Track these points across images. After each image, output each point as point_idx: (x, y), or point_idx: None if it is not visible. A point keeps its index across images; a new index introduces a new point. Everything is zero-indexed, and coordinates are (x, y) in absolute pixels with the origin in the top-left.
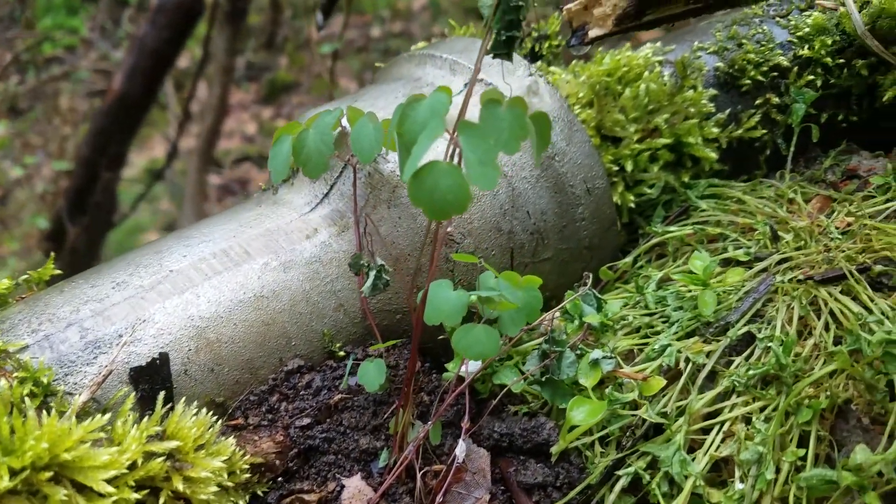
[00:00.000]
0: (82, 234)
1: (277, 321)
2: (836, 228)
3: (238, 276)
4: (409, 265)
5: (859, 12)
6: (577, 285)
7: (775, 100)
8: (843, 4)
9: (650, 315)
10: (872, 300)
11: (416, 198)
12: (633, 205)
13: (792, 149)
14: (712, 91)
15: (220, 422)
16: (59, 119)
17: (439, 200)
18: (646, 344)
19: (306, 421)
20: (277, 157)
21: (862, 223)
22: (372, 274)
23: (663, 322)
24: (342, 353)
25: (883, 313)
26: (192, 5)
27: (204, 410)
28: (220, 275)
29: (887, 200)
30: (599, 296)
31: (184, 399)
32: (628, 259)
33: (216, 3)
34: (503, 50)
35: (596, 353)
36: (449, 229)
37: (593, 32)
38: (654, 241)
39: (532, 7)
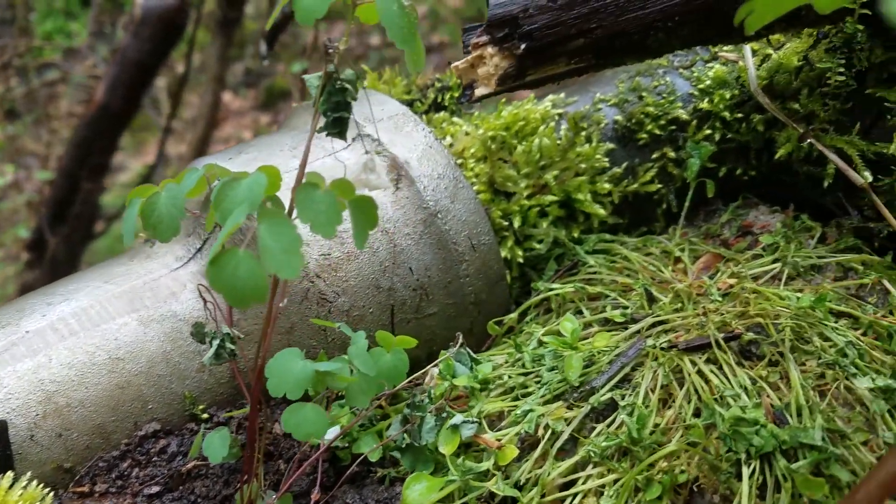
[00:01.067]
0: (62, 244)
1: (133, 384)
2: (718, 290)
3: (95, 336)
4: (281, 324)
5: (759, 66)
6: (450, 345)
7: (672, 154)
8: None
9: (526, 375)
10: (735, 372)
11: (216, 284)
12: (521, 260)
13: (687, 204)
14: (609, 145)
15: (52, 493)
16: (52, 124)
17: (239, 288)
18: (515, 406)
19: (156, 489)
20: (128, 221)
21: (742, 285)
22: (215, 343)
23: (537, 383)
24: (206, 416)
25: (742, 386)
26: (175, 17)
27: (35, 482)
28: (77, 335)
29: (774, 261)
30: (473, 355)
31: (11, 474)
32: (514, 315)
33: (199, 15)
34: (334, 129)
35: (457, 418)
36: (321, 287)
37: (479, 91)
38: (541, 296)
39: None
